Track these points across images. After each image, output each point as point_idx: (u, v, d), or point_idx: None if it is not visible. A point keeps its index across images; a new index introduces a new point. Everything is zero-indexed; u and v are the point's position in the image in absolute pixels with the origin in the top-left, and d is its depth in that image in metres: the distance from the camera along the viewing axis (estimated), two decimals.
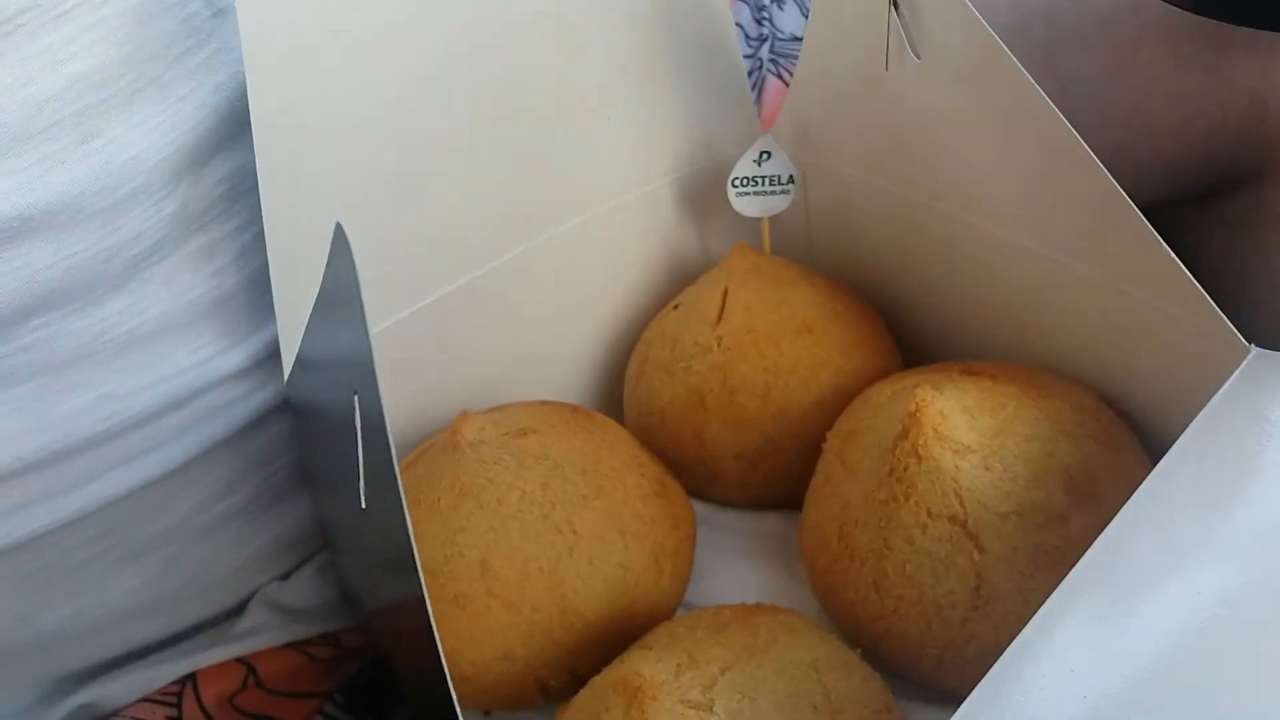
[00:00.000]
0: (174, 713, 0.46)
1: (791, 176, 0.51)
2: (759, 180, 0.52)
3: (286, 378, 0.42)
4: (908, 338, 0.51)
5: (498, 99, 0.45)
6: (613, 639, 0.39)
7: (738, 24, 0.68)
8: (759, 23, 0.68)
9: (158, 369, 0.43)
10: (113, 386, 0.42)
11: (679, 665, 0.34)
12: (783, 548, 0.47)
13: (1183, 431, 0.37)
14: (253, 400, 0.44)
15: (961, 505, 0.36)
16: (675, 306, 0.51)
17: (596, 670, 0.38)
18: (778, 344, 0.46)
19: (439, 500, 0.40)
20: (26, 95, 0.37)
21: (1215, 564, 0.27)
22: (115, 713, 0.46)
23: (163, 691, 0.47)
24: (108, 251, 0.39)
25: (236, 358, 0.43)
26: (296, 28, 0.38)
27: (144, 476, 0.43)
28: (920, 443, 0.36)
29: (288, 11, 0.38)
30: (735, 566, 0.46)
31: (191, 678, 0.47)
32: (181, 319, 0.43)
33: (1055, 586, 0.34)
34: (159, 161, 0.40)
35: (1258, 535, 0.28)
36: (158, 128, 0.40)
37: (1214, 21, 0.43)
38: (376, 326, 0.44)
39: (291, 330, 0.40)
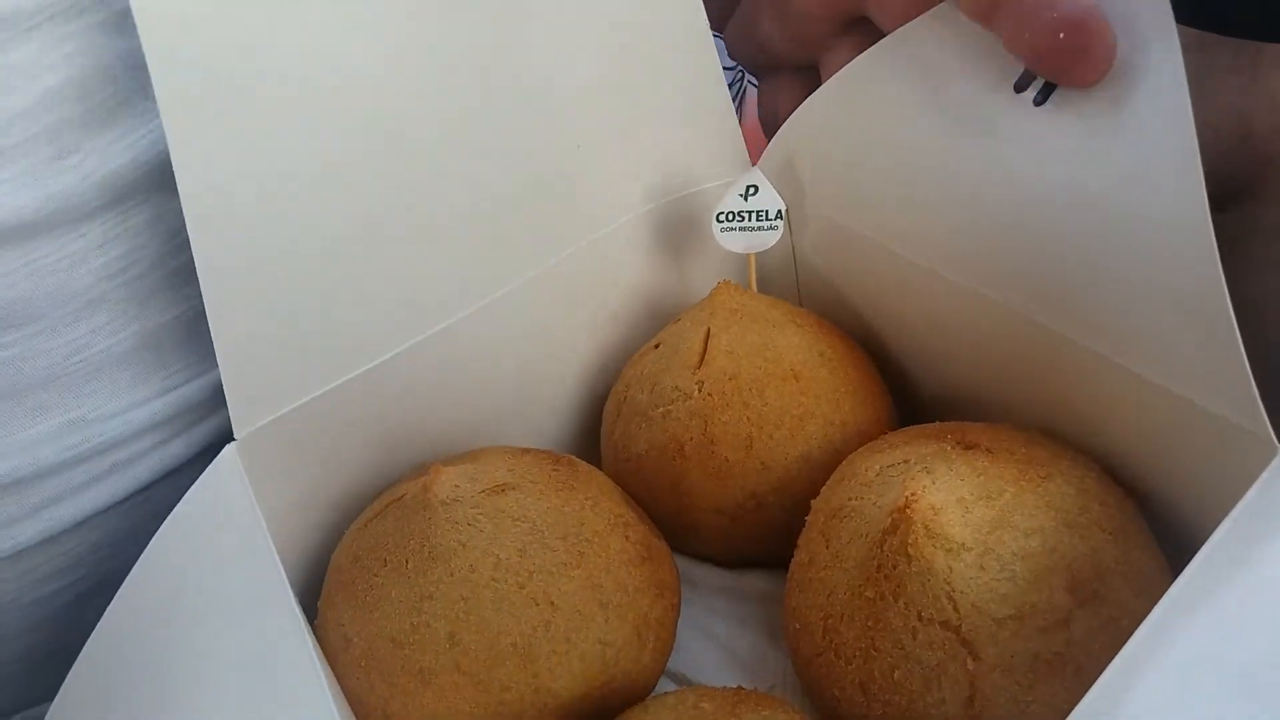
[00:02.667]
0: None
1: (780, 212, 0.49)
2: (745, 215, 0.50)
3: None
4: (900, 388, 0.50)
5: (463, 137, 0.42)
6: (588, 718, 0.37)
7: (717, 35, 0.66)
8: None
9: (134, 393, 0.41)
10: (84, 410, 0.40)
11: None
12: (766, 610, 0.45)
13: (1191, 523, 0.36)
14: None
15: (955, 609, 0.33)
16: (655, 346, 0.49)
17: None
18: (762, 392, 0.44)
19: (406, 562, 0.37)
20: None
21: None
22: None
23: None
24: (70, 259, 0.37)
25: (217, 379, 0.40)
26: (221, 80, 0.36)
27: (114, 495, 0.41)
28: (910, 541, 0.34)
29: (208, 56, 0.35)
30: (716, 629, 0.44)
31: None
32: (160, 339, 0.40)
33: (1055, 696, 0.32)
34: (139, 175, 0.38)
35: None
36: (142, 139, 0.38)
37: (1197, 43, 0.42)
38: (346, 375, 0.41)
39: (232, 367, 0.38)
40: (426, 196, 0.42)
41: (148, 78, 0.37)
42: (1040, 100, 0.37)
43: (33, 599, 0.42)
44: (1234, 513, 0.30)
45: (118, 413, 0.41)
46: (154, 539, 0.38)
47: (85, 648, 0.38)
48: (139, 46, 0.36)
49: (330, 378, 0.41)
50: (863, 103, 0.45)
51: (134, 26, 0.36)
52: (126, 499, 0.43)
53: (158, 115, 0.37)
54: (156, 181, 0.39)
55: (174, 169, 0.35)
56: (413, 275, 0.42)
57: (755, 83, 0.66)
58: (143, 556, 0.38)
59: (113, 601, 0.38)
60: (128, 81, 0.37)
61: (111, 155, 0.37)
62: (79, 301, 0.39)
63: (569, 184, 0.47)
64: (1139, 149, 0.34)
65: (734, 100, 0.66)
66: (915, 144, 0.43)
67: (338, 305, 0.40)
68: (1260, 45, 0.42)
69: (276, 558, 0.36)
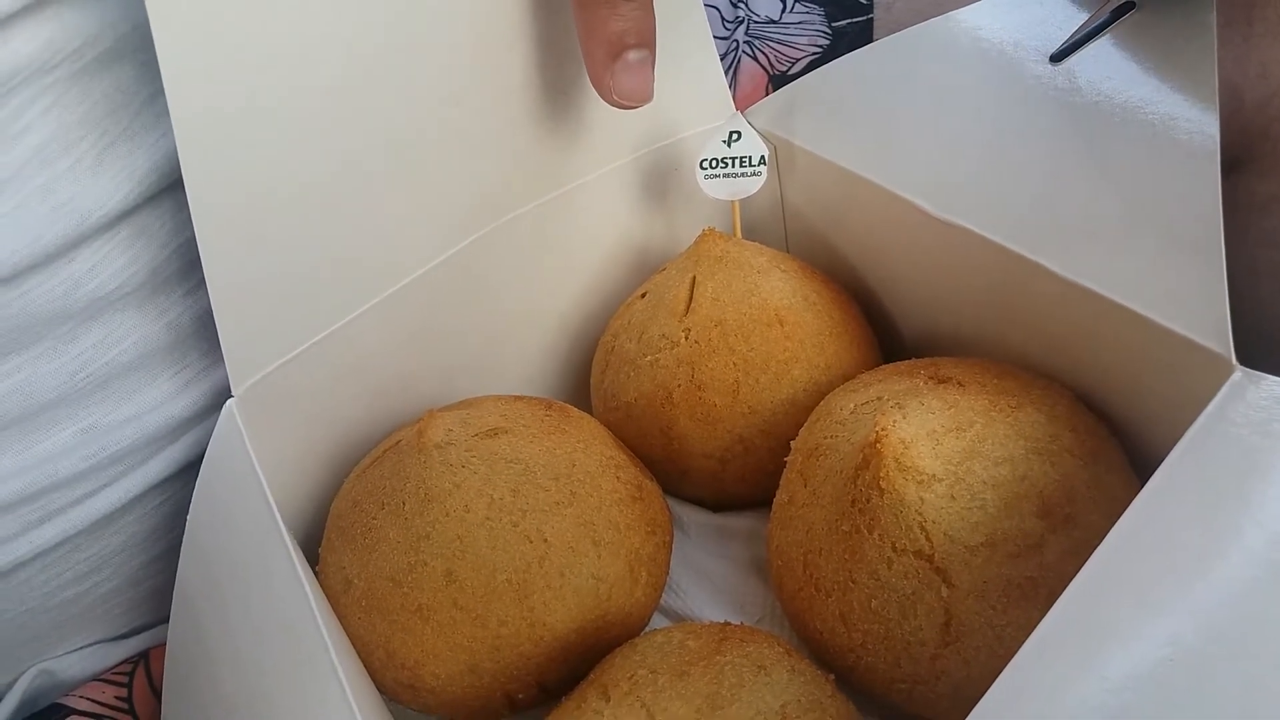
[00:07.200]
0: (124, 692, 0.45)
1: (763, 158, 0.50)
2: (729, 161, 0.50)
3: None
4: (885, 326, 0.51)
5: (448, 82, 0.42)
6: (583, 651, 0.38)
7: (712, 6, 0.66)
8: (735, 4, 0.66)
9: (143, 398, 0.41)
10: (94, 419, 0.40)
11: None
12: (753, 548, 0.46)
13: (1161, 445, 0.36)
14: None
15: (927, 539, 0.34)
16: (642, 295, 0.50)
17: (565, 683, 0.37)
18: (747, 338, 0.45)
19: (403, 504, 0.38)
20: None
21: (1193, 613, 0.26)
22: (69, 691, 0.46)
23: (115, 670, 0.46)
24: (65, 286, 0.38)
25: (225, 375, 0.41)
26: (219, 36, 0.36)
27: (130, 493, 0.42)
28: (881, 475, 0.35)
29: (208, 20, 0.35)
30: (707, 567, 0.46)
31: (144, 655, 0.47)
32: (163, 343, 0.41)
33: (1029, 620, 0.33)
34: (128, 206, 0.39)
35: (1238, 581, 0.27)
36: (130, 177, 0.38)
37: None
38: (335, 324, 0.42)
39: (228, 323, 0.38)
40: (411, 142, 0.42)
41: (130, 115, 0.38)
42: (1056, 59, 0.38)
43: (59, 601, 0.44)
44: (1189, 433, 0.30)
45: (130, 419, 0.41)
46: (192, 503, 0.40)
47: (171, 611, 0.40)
48: (117, 85, 0.37)
49: (319, 328, 0.41)
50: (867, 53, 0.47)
51: (110, 65, 0.36)
52: (140, 498, 0.43)
53: (146, 149, 0.38)
54: (142, 205, 0.39)
55: (174, 133, 0.35)
56: (396, 221, 0.43)
57: (750, 53, 0.67)
58: (187, 522, 0.40)
59: (178, 568, 0.40)
60: (111, 124, 0.38)
61: (103, 194, 0.38)
62: (76, 320, 0.39)
63: (555, 131, 0.48)
64: (1148, 77, 0.35)
65: (729, 70, 0.66)
66: (910, 80, 0.44)
67: (325, 254, 0.41)
68: (1251, 17, 0.42)
69: (275, 509, 0.37)
